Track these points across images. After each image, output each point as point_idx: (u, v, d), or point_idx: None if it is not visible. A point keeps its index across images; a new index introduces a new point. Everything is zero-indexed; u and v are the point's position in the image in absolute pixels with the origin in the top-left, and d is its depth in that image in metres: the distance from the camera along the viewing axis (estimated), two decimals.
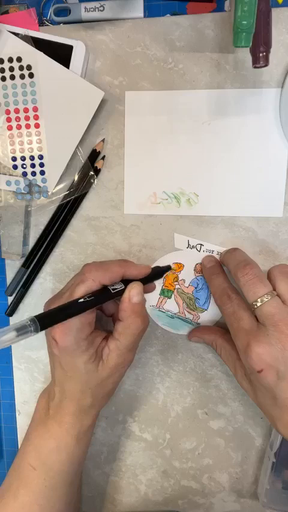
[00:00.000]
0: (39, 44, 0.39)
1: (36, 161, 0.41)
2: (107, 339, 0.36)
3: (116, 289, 0.35)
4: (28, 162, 0.41)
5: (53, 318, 0.31)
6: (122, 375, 0.37)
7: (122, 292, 0.35)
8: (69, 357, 0.35)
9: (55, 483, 0.36)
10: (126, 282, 0.36)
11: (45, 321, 0.30)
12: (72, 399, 0.36)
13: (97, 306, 0.34)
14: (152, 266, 0.40)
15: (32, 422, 0.39)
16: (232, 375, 0.42)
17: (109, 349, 0.35)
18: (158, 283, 0.42)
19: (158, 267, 0.40)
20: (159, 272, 0.40)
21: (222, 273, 0.39)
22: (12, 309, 0.44)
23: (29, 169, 0.41)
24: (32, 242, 0.43)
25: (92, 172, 0.41)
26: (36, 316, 0.30)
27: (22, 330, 0.29)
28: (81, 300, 0.33)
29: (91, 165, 0.41)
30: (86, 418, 0.37)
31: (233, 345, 0.36)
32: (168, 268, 0.41)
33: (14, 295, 0.44)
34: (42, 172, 0.41)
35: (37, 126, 0.40)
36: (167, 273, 0.42)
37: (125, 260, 0.38)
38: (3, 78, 0.39)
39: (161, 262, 0.42)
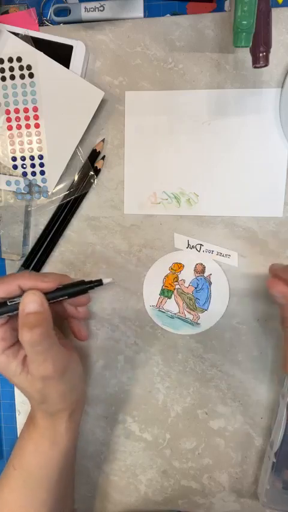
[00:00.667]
0: (39, 44, 0.39)
1: (36, 161, 0.41)
2: None
3: (14, 301, 0.34)
4: (28, 162, 0.41)
5: None
6: (65, 384, 0.35)
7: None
8: (4, 374, 0.35)
9: (34, 486, 0.37)
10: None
11: None
12: (36, 408, 0.36)
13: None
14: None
15: (25, 422, 0.39)
16: (232, 375, 0.42)
17: (28, 361, 0.34)
18: (158, 283, 0.42)
19: (73, 282, 0.36)
20: (76, 286, 0.35)
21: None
22: None
23: (29, 169, 0.41)
24: (32, 242, 0.43)
25: (92, 172, 0.41)
26: None
27: None
28: None
29: (91, 165, 0.41)
30: (57, 423, 0.36)
31: None
32: (97, 282, 0.36)
33: None
34: (42, 172, 0.41)
35: (37, 126, 0.40)
36: (167, 273, 0.42)
37: (24, 272, 0.37)
38: (3, 78, 0.39)
39: (161, 262, 0.42)
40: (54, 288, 0.35)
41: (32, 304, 0.33)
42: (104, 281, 0.36)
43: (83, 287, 0.36)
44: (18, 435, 0.46)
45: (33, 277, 0.34)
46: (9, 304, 0.34)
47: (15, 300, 0.34)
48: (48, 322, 0.33)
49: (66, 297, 0.35)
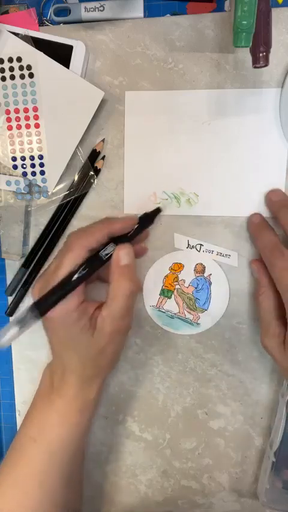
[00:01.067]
0: (39, 44, 0.39)
1: (36, 161, 0.41)
2: (100, 308, 0.35)
3: (108, 253, 0.34)
4: (28, 162, 0.41)
5: (50, 301, 0.31)
6: (121, 344, 0.36)
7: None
8: (63, 329, 0.34)
9: (55, 457, 0.35)
10: (118, 240, 0.35)
11: (43, 306, 0.31)
12: (73, 371, 0.35)
13: (91, 275, 0.33)
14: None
15: (36, 395, 0.38)
16: (232, 375, 0.42)
17: (102, 316, 0.34)
18: (158, 284, 0.42)
19: (146, 213, 0.38)
20: (149, 218, 0.38)
21: (272, 229, 0.38)
22: (12, 309, 0.44)
23: (29, 169, 0.41)
24: (32, 242, 0.43)
25: (92, 172, 0.41)
26: (34, 304, 0.31)
27: (23, 322, 0.30)
28: (76, 276, 0.32)
29: (91, 165, 0.41)
30: (89, 390, 0.36)
31: (279, 304, 0.36)
32: (158, 211, 0.39)
33: (14, 295, 0.44)
34: (42, 172, 0.41)
35: (37, 126, 0.40)
36: (167, 273, 0.42)
37: (107, 218, 0.36)
38: (3, 78, 0.39)
39: (161, 262, 0.42)
40: (135, 224, 0.36)
41: (127, 256, 0.34)
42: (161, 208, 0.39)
43: (150, 216, 0.38)
44: None
45: (119, 221, 0.35)
46: (104, 258, 0.34)
47: (108, 251, 0.34)
48: (137, 277, 0.35)
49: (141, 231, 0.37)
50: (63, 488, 0.36)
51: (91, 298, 0.36)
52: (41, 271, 0.38)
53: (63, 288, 0.32)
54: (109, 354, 0.36)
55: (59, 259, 0.34)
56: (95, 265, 0.34)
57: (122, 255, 0.34)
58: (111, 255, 0.34)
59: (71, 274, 0.32)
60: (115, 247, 0.34)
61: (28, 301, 0.44)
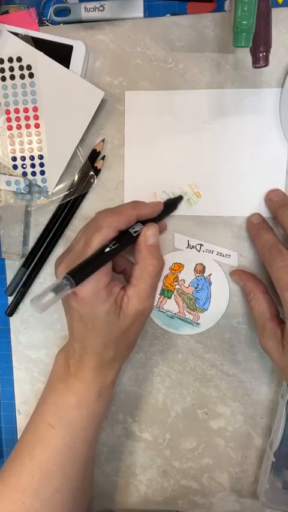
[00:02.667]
0: (39, 44, 0.39)
1: (36, 161, 0.41)
2: (125, 289, 0.35)
3: (137, 231, 0.35)
4: (28, 162, 0.41)
5: (85, 271, 0.32)
6: (142, 325, 0.36)
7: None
8: (89, 309, 0.34)
9: (74, 441, 0.35)
10: (143, 222, 0.36)
11: (79, 275, 0.31)
12: (94, 354, 0.35)
13: (121, 251, 0.34)
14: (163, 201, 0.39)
15: (50, 381, 0.38)
16: (232, 375, 0.42)
17: (128, 296, 0.34)
18: (158, 284, 0.42)
19: (169, 199, 0.40)
20: (172, 204, 0.40)
21: (271, 229, 0.39)
22: (12, 309, 0.44)
23: (29, 169, 0.41)
24: (32, 242, 0.43)
25: (92, 172, 0.41)
26: (69, 273, 0.31)
27: (59, 289, 0.30)
28: (107, 249, 0.33)
29: (91, 165, 0.41)
30: (108, 372, 0.36)
31: (270, 304, 0.36)
32: (180, 198, 0.40)
33: (14, 295, 0.44)
34: (42, 172, 0.41)
35: (37, 126, 0.40)
36: (167, 273, 0.42)
37: (136, 201, 0.37)
38: (3, 78, 0.39)
39: None
40: (160, 210, 0.37)
41: (154, 237, 0.35)
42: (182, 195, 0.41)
43: (173, 202, 0.40)
44: (18, 435, 0.46)
45: (147, 205, 0.36)
46: (134, 234, 0.35)
47: (136, 229, 0.35)
48: (162, 256, 0.36)
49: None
50: (81, 474, 0.36)
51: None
52: (65, 248, 0.38)
53: (96, 260, 0.32)
54: (131, 336, 0.36)
55: (87, 238, 0.34)
56: (125, 241, 0.34)
57: (149, 235, 0.35)
58: (140, 233, 0.35)
59: (103, 248, 0.33)
60: (142, 226, 0.35)
61: (28, 301, 0.44)
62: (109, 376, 0.36)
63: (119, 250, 0.33)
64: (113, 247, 0.33)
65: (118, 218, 0.34)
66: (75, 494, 0.36)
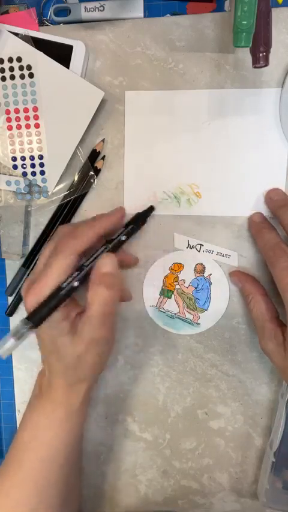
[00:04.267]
0: (39, 44, 0.39)
1: (36, 161, 0.41)
2: (83, 313, 0.35)
3: (92, 258, 0.35)
4: (28, 162, 0.41)
5: (43, 313, 0.32)
6: (102, 354, 0.35)
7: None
8: (45, 331, 0.34)
9: (49, 460, 0.35)
10: (111, 241, 0.36)
11: (37, 318, 0.32)
12: (58, 375, 0.35)
13: (82, 284, 0.33)
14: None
15: (28, 403, 0.38)
16: (232, 375, 0.42)
17: (82, 322, 0.34)
18: (158, 284, 0.42)
19: (138, 213, 0.39)
20: (141, 217, 0.39)
21: (274, 228, 0.38)
22: (12, 309, 0.44)
23: (29, 169, 0.41)
24: (32, 242, 0.43)
25: (92, 172, 0.41)
26: (27, 317, 0.32)
27: (18, 334, 0.31)
28: (63, 290, 0.33)
29: (91, 165, 0.41)
30: (74, 395, 0.36)
31: (269, 306, 0.36)
32: (150, 209, 0.40)
33: (14, 295, 0.44)
34: (42, 172, 0.41)
35: (37, 126, 0.40)
36: (167, 273, 0.42)
37: (95, 217, 0.36)
38: (3, 78, 0.39)
39: (161, 262, 0.42)
40: (123, 217, 0.36)
41: (109, 265, 0.34)
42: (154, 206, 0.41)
43: (144, 215, 0.39)
44: None
45: (106, 219, 0.35)
46: (85, 265, 0.34)
47: (97, 252, 0.35)
48: (119, 285, 0.34)
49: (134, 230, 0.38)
50: (60, 491, 0.36)
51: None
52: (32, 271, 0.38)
53: (55, 300, 0.33)
54: (88, 361, 0.35)
55: (49, 261, 0.34)
56: (84, 275, 0.34)
57: (103, 262, 0.34)
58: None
59: (65, 284, 0.33)
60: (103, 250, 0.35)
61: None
62: (75, 399, 0.36)
63: (80, 284, 0.33)
64: (72, 284, 0.33)
65: (76, 242, 0.34)
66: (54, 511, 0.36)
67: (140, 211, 0.40)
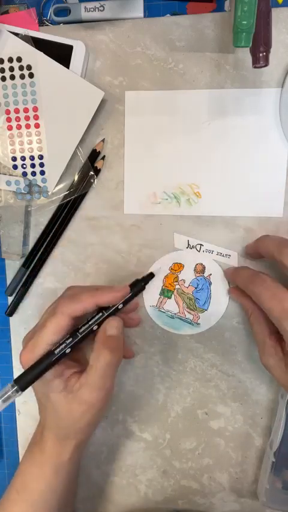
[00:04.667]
0: (39, 44, 0.39)
1: (36, 161, 0.41)
2: (81, 373, 0.35)
3: (92, 329, 0.35)
4: (28, 162, 0.41)
5: (30, 378, 0.33)
6: (96, 416, 0.36)
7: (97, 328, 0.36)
8: (39, 388, 0.35)
9: (39, 505, 0.36)
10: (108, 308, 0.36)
11: (24, 382, 0.33)
12: (49, 429, 0.36)
13: (72, 350, 0.34)
14: (144, 275, 0.39)
15: (29, 443, 0.39)
16: (232, 375, 0.42)
17: (80, 383, 0.34)
18: (158, 284, 0.42)
19: (137, 280, 0.39)
20: (140, 286, 0.39)
21: (246, 266, 0.39)
22: (12, 309, 0.44)
23: (29, 169, 0.41)
24: (32, 242, 0.43)
25: (92, 172, 0.41)
26: (15, 381, 0.33)
27: (5, 396, 0.33)
28: (53, 356, 0.34)
29: (91, 165, 0.41)
30: (63, 450, 0.36)
31: (269, 321, 0.35)
32: (151, 276, 0.40)
33: (14, 295, 0.44)
34: (42, 172, 0.41)
35: (37, 126, 0.40)
36: (167, 273, 0.42)
37: (98, 288, 0.36)
38: (3, 78, 0.39)
39: (161, 263, 0.42)
40: (126, 296, 0.36)
41: (115, 328, 0.35)
42: (154, 272, 0.40)
43: (141, 284, 0.39)
44: (18, 435, 0.46)
45: (107, 293, 0.35)
46: (89, 324, 0.35)
47: (93, 320, 0.36)
48: (122, 348, 0.36)
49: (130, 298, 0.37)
50: None
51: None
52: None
53: (43, 365, 0.34)
54: (81, 421, 0.35)
55: (45, 320, 0.35)
56: (76, 342, 0.35)
57: (109, 326, 0.35)
58: (94, 330, 0.36)
59: (52, 349, 0.34)
60: (97, 327, 0.36)
61: (28, 301, 0.44)
62: (64, 454, 0.36)
63: (71, 350, 0.34)
64: (63, 349, 0.34)
65: (75, 306, 0.34)
66: None
67: (139, 277, 0.39)
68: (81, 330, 0.35)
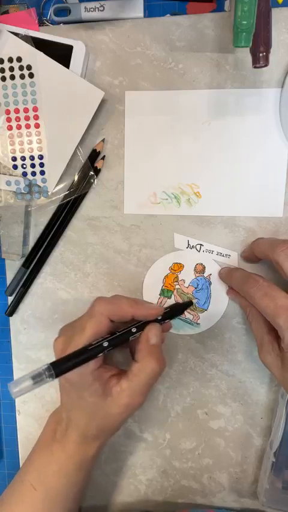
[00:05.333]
0: (39, 44, 0.39)
1: (36, 161, 0.41)
2: (119, 376, 0.35)
3: (134, 335, 0.35)
4: (28, 162, 0.41)
5: (68, 365, 0.32)
6: (130, 415, 0.36)
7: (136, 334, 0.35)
8: (75, 389, 0.35)
9: (53, 505, 0.36)
10: (141, 324, 0.36)
11: (60, 368, 0.32)
12: (77, 428, 0.36)
13: (111, 349, 0.34)
14: (168, 303, 0.39)
15: (38, 442, 0.39)
16: (232, 375, 0.42)
17: (121, 387, 0.35)
18: (158, 284, 0.42)
19: (177, 304, 0.39)
20: (179, 309, 0.39)
21: (240, 268, 0.39)
22: (12, 309, 0.44)
23: (29, 169, 0.41)
24: (32, 242, 0.43)
25: (92, 172, 0.41)
26: (51, 364, 0.31)
27: (38, 378, 0.31)
28: (93, 346, 0.33)
29: (91, 165, 0.41)
30: (88, 449, 0.36)
31: (266, 319, 0.35)
32: (189, 303, 0.40)
33: (14, 295, 0.44)
34: (42, 172, 0.41)
35: (37, 126, 0.40)
36: (167, 273, 0.42)
37: (136, 301, 0.37)
38: (3, 78, 0.39)
39: (161, 263, 0.42)
40: (159, 315, 0.36)
41: (155, 337, 0.35)
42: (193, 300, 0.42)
43: (180, 307, 0.39)
44: (17, 435, 0.46)
45: (144, 308, 0.35)
46: (129, 336, 0.35)
47: (130, 331, 0.35)
48: (163, 357, 0.36)
49: (168, 320, 0.38)
50: None
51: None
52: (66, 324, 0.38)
53: (82, 355, 0.33)
54: (116, 422, 0.36)
55: (83, 321, 0.35)
56: (119, 341, 0.34)
57: (151, 335, 0.35)
58: (135, 335, 0.35)
59: (95, 344, 0.34)
60: (139, 331, 0.36)
61: (28, 301, 0.44)
62: (89, 452, 0.37)
63: (110, 348, 0.34)
64: (104, 347, 0.33)
65: (113, 308, 0.35)
66: None
67: (179, 302, 0.41)
68: (120, 330, 0.35)
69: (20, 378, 0.30)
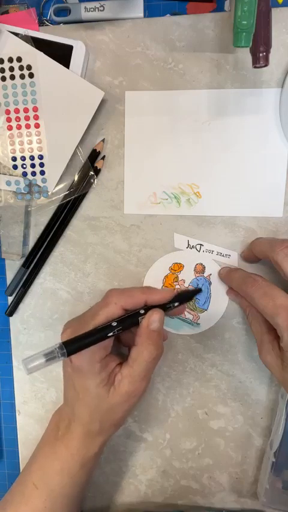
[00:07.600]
0: (39, 44, 0.39)
1: (36, 161, 0.41)
2: (121, 366, 0.36)
3: (142, 316, 0.35)
4: (28, 162, 0.41)
5: (80, 344, 0.32)
6: (133, 405, 0.36)
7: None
8: (82, 378, 0.35)
9: (55, 505, 0.36)
10: (149, 308, 0.36)
11: (73, 347, 0.32)
12: (81, 423, 0.36)
13: (121, 331, 0.34)
14: (177, 290, 0.39)
15: (41, 440, 0.39)
16: (232, 375, 0.42)
17: (122, 375, 0.35)
18: (158, 284, 0.42)
19: (186, 291, 0.40)
20: (187, 295, 0.39)
21: (239, 268, 0.40)
22: (12, 309, 0.44)
23: (29, 169, 0.41)
24: (32, 242, 0.43)
25: (92, 172, 0.41)
26: (63, 342, 0.32)
27: (50, 355, 0.31)
28: (108, 329, 0.33)
29: (91, 165, 0.41)
30: (92, 445, 0.36)
31: (265, 319, 0.35)
32: (198, 290, 0.40)
33: (14, 295, 0.44)
34: (42, 172, 0.41)
35: (37, 126, 0.40)
36: (167, 273, 0.42)
37: (148, 287, 0.37)
38: (3, 78, 0.39)
39: (161, 262, 0.42)
40: (171, 298, 0.36)
41: (156, 323, 0.35)
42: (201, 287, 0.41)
43: (189, 294, 0.39)
44: (18, 435, 0.46)
45: (157, 292, 0.36)
46: (139, 318, 0.35)
47: (139, 312, 0.35)
48: (162, 343, 0.36)
49: (176, 304, 0.37)
50: None
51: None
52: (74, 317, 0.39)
53: (95, 335, 0.33)
54: (119, 413, 0.36)
55: (95, 310, 0.35)
56: (128, 323, 0.35)
57: (152, 319, 0.35)
58: (144, 316, 0.35)
59: (104, 326, 0.34)
60: (144, 312, 0.35)
61: (28, 301, 0.44)
62: (92, 449, 0.36)
63: (120, 330, 0.34)
64: (114, 327, 0.33)
65: (126, 298, 0.35)
66: None
67: (189, 289, 0.41)
68: (130, 312, 0.35)
69: (33, 355, 0.30)
